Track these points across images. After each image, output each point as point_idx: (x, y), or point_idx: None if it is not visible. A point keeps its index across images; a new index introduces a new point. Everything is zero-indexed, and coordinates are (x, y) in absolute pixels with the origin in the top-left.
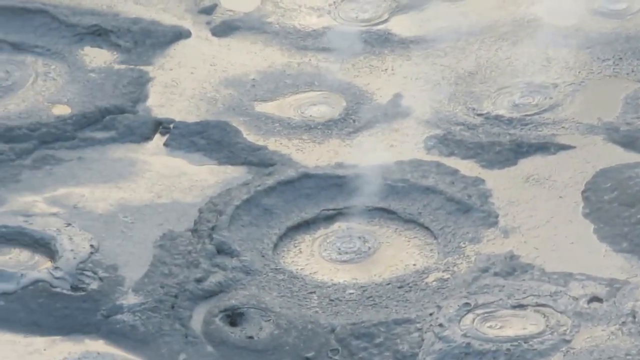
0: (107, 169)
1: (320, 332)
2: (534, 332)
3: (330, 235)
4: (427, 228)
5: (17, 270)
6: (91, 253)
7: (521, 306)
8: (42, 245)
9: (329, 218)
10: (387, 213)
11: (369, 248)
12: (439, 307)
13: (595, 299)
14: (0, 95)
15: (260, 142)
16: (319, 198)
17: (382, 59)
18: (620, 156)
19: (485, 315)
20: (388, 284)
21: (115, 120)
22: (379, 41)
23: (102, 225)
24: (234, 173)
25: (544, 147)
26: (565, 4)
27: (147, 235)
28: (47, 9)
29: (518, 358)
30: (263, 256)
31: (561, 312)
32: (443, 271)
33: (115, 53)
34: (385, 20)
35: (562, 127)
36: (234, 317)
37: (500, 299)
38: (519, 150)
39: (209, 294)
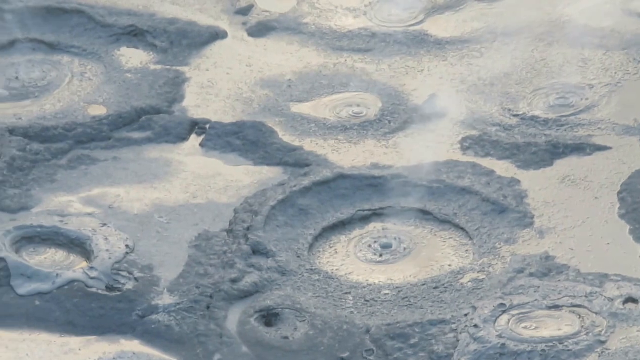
0: (143, 170)
1: (356, 333)
2: (569, 333)
3: (365, 236)
4: (462, 229)
5: (53, 270)
6: (127, 253)
7: (556, 307)
8: (78, 246)
9: (365, 219)
10: (422, 214)
11: (405, 249)
12: (474, 308)
13: (630, 300)
14: (36, 95)
15: (296, 143)
16: (354, 199)
17: (418, 60)
18: None
19: (521, 316)
20: (423, 284)
21: (151, 120)
22: (415, 42)
23: (137, 226)
24: (269, 173)
25: (580, 148)
26: (601, 5)
27: (183, 236)
28: (84, 10)
29: (553, 359)
30: (298, 257)
31: (596, 313)
32: (478, 272)
33: (151, 53)
34: (422, 21)
35: (598, 128)
36: (269, 317)
37: (536, 300)
38: (555, 151)
39: (245, 295)
